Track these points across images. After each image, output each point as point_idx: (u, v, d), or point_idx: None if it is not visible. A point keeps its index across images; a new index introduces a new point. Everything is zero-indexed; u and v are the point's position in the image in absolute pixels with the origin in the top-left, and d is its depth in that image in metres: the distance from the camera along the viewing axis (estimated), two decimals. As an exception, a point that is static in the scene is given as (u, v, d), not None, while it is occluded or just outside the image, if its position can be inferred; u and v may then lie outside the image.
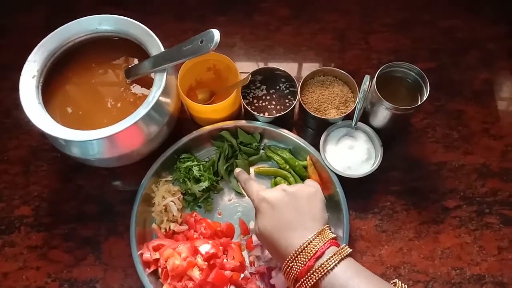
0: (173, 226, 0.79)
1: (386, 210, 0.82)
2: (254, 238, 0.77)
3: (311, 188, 0.65)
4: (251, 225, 0.79)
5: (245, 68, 0.97)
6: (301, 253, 0.56)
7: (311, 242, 0.57)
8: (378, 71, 0.76)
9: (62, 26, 0.79)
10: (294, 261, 0.57)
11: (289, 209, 0.62)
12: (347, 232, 0.76)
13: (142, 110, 0.72)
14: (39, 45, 0.77)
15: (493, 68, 0.95)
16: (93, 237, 0.82)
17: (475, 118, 0.89)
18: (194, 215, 0.80)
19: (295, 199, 0.62)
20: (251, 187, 0.69)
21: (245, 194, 0.75)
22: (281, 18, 1.01)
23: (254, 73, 0.86)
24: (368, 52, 0.96)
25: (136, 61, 0.83)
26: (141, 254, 0.76)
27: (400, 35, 0.98)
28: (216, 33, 0.66)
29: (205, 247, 0.73)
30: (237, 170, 0.77)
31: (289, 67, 0.96)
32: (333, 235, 0.59)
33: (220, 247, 0.75)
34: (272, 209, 0.62)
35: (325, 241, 0.57)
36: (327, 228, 0.60)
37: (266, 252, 0.77)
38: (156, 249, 0.75)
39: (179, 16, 1.02)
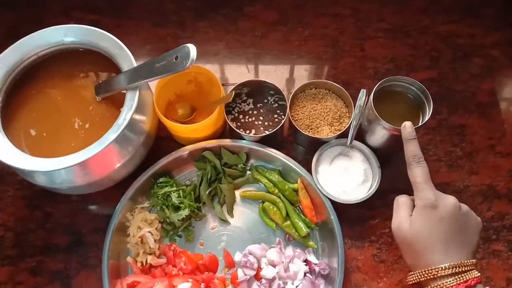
0: (150, 259, 0.72)
1: (385, 238, 0.75)
2: (240, 273, 0.70)
3: (477, 217, 0.61)
4: (237, 257, 0.72)
5: (231, 77, 0.89)
6: (448, 274, 0.54)
7: (458, 271, 0.55)
8: (376, 86, 0.69)
9: (22, 39, 0.71)
10: (438, 278, 0.55)
11: (454, 227, 0.57)
12: (342, 263, 0.69)
13: (111, 135, 0.64)
14: (-4, 61, 0.69)
15: (497, 77, 0.88)
16: (63, 271, 0.75)
17: (479, 133, 0.82)
18: (173, 247, 0.72)
19: (464, 221, 0.58)
20: (427, 183, 0.59)
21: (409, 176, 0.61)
22: (268, 24, 0.93)
23: (240, 86, 0.78)
24: (363, 60, 0.89)
25: (106, 76, 0.74)
26: (115, 292, 0.68)
27: (396, 42, 0.91)
28: (192, 49, 0.59)
29: (184, 286, 0.65)
30: (408, 130, 0.63)
31: (278, 77, 0.88)
32: (479, 274, 0.56)
33: (202, 284, 0.68)
34: (438, 220, 0.57)
35: (472, 277, 0.54)
36: (474, 264, 0.57)
37: (253, 287, 0.70)
38: (130, 286, 0.68)
39: (157, 21, 0.94)
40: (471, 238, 0.58)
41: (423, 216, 0.57)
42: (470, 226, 0.59)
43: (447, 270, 0.54)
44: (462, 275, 0.54)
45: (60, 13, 0.95)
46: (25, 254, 0.76)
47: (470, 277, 0.54)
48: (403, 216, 0.59)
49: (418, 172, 0.59)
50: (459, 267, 0.54)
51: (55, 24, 0.72)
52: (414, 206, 0.60)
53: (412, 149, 0.61)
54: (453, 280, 0.54)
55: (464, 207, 0.59)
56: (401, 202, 0.61)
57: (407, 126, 0.63)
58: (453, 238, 0.57)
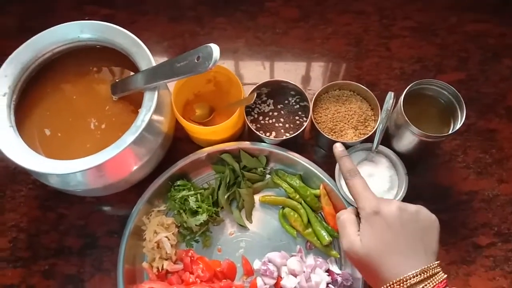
0: (167, 265, 0.69)
1: (410, 248, 0.72)
2: (260, 282, 0.67)
3: (431, 214, 0.56)
4: (256, 264, 0.69)
5: (250, 76, 0.86)
6: (413, 284, 0.49)
7: (424, 277, 0.50)
8: (406, 89, 0.66)
9: (37, 35, 0.68)
10: None
11: (405, 231, 0.53)
12: (365, 274, 0.67)
13: (129, 137, 0.62)
14: (10, 57, 0.67)
15: (529, 79, 0.84)
16: (77, 275, 0.73)
17: (509, 138, 0.78)
18: (190, 253, 0.70)
19: (414, 222, 0.54)
20: (366, 191, 0.57)
21: (348, 192, 0.60)
22: (289, 20, 0.90)
23: (260, 86, 0.75)
24: (389, 60, 0.85)
25: (123, 74, 0.72)
26: (130, 299, 0.66)
27: (423, 41, 0.87)
28: (215, 49, 0.55)
29: (202, 295, 0.63)
30: (339, 149, 0.63)
31: (299, 76, 0.85)
32: (445, 275, 0.51)
33: (220, 293, 0.66)
34: (386, 227, 0.53)
35: (440, 281, 0.50)
36: (438, 265, 0.52)
37: (273, 297, 0.67)
38: (147, 293, 0.66)
39: (174, 16, 0.91)
40: (429, 239, 0.54)
41: (371, 229, 0.54)
42: (424, 226, 0.54)
43: (409, 280, 0.49)
44: (429, 281, 0.50)
45: (72, 7, 0.92)
46: (38, 257, 0.74)
47: (438, 281, 0.50)
48: (351, 234, 0.55)
49: (354, 183, 0.58)
50: (422, 273, 0.50)
51: (67, 18, 0.70)
52: (359, 221, 0.56)
53: (346, 165, 0.61)
54: None
55: (412, 207, 0.55)
56: (344, 219, 0.57)
57: (338, 146, 0.63)
58: (407, 244, 0.52)
